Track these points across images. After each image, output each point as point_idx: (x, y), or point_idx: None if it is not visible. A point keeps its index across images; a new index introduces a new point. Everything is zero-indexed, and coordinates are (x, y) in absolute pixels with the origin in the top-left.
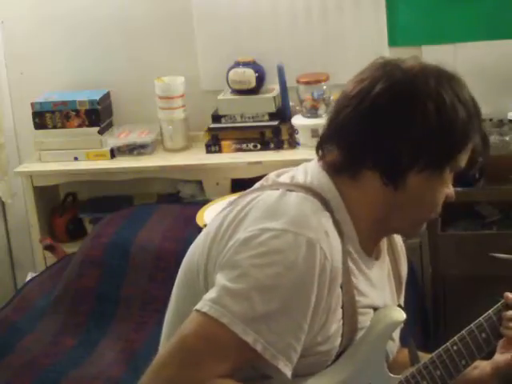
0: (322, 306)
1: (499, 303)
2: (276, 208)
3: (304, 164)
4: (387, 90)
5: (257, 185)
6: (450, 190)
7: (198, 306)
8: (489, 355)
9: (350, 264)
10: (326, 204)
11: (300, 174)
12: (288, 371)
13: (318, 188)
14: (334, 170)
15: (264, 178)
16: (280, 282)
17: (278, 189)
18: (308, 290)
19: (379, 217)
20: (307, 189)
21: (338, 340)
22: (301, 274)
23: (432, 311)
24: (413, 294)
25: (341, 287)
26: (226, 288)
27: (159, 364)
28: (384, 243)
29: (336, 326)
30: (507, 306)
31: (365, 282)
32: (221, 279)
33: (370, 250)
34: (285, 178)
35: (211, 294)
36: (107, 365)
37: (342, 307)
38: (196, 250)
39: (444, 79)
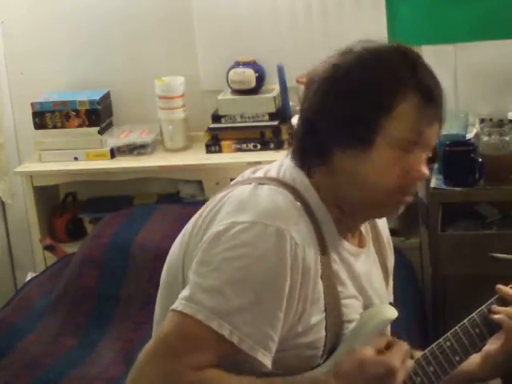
0: (297, 294)
1: (492, 299)
2: (246, 201)
3: (280, 159)
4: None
5: (233, 182)
6: (412, 165)
7: (173, 306)
8: None
9: (331, 253)
10: (297, 195)
11: (274, 168)
12: (267, 361)
13: (290, 180)
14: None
15: (240, 175)
16: (251, 273)
17: (250, 183)
18: (281, 279)
19: (336, 201)
20: (279, 181)
21: (322, 332)
22: (272, 265)
23: (432, 311)
24: (412, 294)
25: (321, 278)
26: (198, 284)
27: (141, 364)
28: (369, 233)
29: (318, 317)
30: (500, 302)
31: (348, 271)
32: (193, 276)
33: (352, 238)
34: (259, 173)
35: (185, 292)
36: (107, 365)
37: (324, 299)
38: (175, 250)
39: (359, 52)
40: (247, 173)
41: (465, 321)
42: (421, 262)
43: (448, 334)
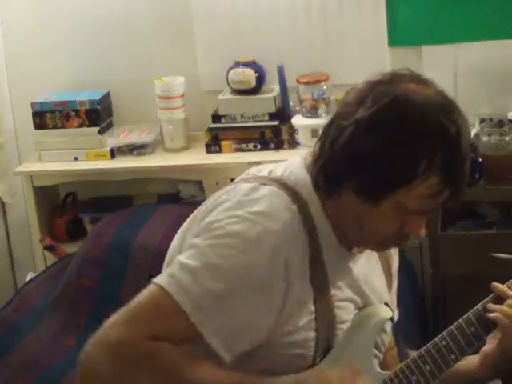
0: (281, 295)
1: (488, 297)
2: (243, 200)
3: (289, 160)
4: (352, 102)
5: (238, 179)
6: (411, 227)
7: (154, 279)
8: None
9: (325, 258)
10: (297, 198)
11: (279, 168)
12: (223, 353)
13: (293, 182)
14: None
15: (245, 172)
16: (229, 263)
17: (251, 182)
18: (257, 275)
19: (338, 223)
20: (281, 183)
21: (312, 333)
22: (251, 260)
23: (432, 311)
24: (412, 294)
25: (311, 281)
26: (180, 263)
27: (105, 327)
28: None
29: (307, 318)
30: (496, 300)
31: (343, 277)
32: (179, 256)
33: (350, 244)
34: (263, 173)
35: (168, 268)
36: None
37: (315, 301)
38: (174, 243)
39: (409, 111)
40: (252, 170)
41: (460, 320)
42: (421, 261)
43: (443, 333)
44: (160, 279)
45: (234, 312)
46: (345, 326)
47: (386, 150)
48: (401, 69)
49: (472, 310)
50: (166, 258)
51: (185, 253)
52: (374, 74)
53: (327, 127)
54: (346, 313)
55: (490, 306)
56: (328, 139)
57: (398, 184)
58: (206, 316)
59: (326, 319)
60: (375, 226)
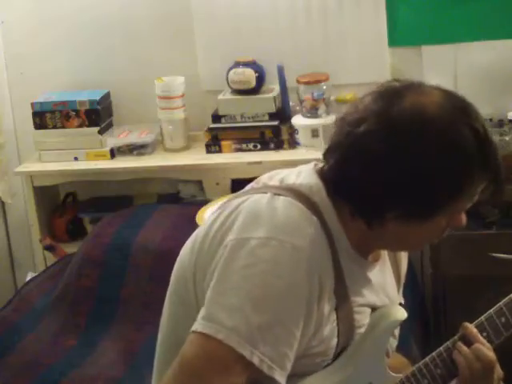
0: (315, 311)
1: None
2: (262, 214)
3: (300, 166)
4: (373, 132)
5: (248, 187)
6: (457, 222)
7: (193, 327)
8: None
9: (343, 265)
10: (313, 207)
11: (291, 176)
12: (284, 380)
13: (307, 190)
14: (326, 178)
15: (256, 180)
16: (270, 291)
17: (265, 192)
18: (298, 296)
19: (360, 238)
20: (295, 192)
21: (334, 340)
22: (289, 282)
23: (432, 311)
24: (413, 294)
25: (334, 292)
26: (217, 303)
27: None
28: None
29: (330, 327)
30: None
31: (361, 283)
32: (212, 294)
33: (366, 252)
34: (275, 181)
35: (204, 311)
36: (107, 365)
37: (336, 309)
38: (185, 257)
39: (437, 125)
40: (264, 178)
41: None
42: (421, 261)
43: (456, 336)
44: (202, 327)
45: (284, 337)
46: (363, 330)
47: (430, 176)
48: (389, 81)
49: (443, 346)
50: (178, 274)
51: (216, 288)
52: (371, 96)
53: (342, 153)
54: (364, 317)
55: (460, 346)
56: (351, 170)
57: (448, 202)
58: (263, 353)
59: (346, 325)
60: (421, 237)
